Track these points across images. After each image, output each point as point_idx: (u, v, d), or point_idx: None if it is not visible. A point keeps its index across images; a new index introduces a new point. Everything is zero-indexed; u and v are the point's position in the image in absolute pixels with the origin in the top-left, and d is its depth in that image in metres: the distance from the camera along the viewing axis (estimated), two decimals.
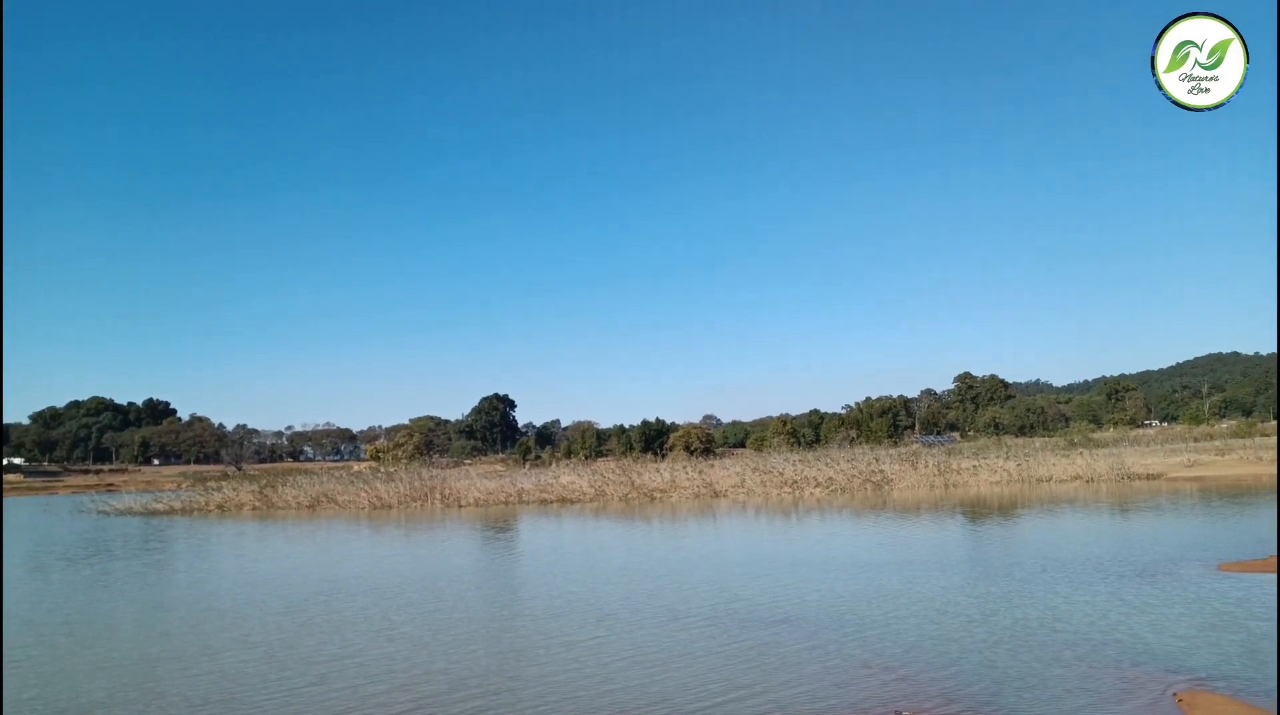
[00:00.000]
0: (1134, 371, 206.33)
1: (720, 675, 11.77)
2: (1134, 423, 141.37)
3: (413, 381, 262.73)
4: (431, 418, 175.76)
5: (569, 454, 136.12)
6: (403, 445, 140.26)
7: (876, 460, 59.32)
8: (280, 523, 46.24)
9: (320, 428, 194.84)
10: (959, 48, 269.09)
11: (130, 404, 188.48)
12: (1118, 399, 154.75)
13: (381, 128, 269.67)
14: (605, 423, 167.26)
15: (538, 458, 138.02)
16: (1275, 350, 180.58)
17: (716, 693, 10.95)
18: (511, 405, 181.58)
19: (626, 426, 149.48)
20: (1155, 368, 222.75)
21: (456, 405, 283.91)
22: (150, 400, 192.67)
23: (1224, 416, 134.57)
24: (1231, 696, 9.85)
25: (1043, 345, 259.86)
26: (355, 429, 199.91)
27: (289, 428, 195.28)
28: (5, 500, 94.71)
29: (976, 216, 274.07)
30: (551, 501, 52.15)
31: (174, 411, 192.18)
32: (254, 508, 56.51)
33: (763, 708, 10.32)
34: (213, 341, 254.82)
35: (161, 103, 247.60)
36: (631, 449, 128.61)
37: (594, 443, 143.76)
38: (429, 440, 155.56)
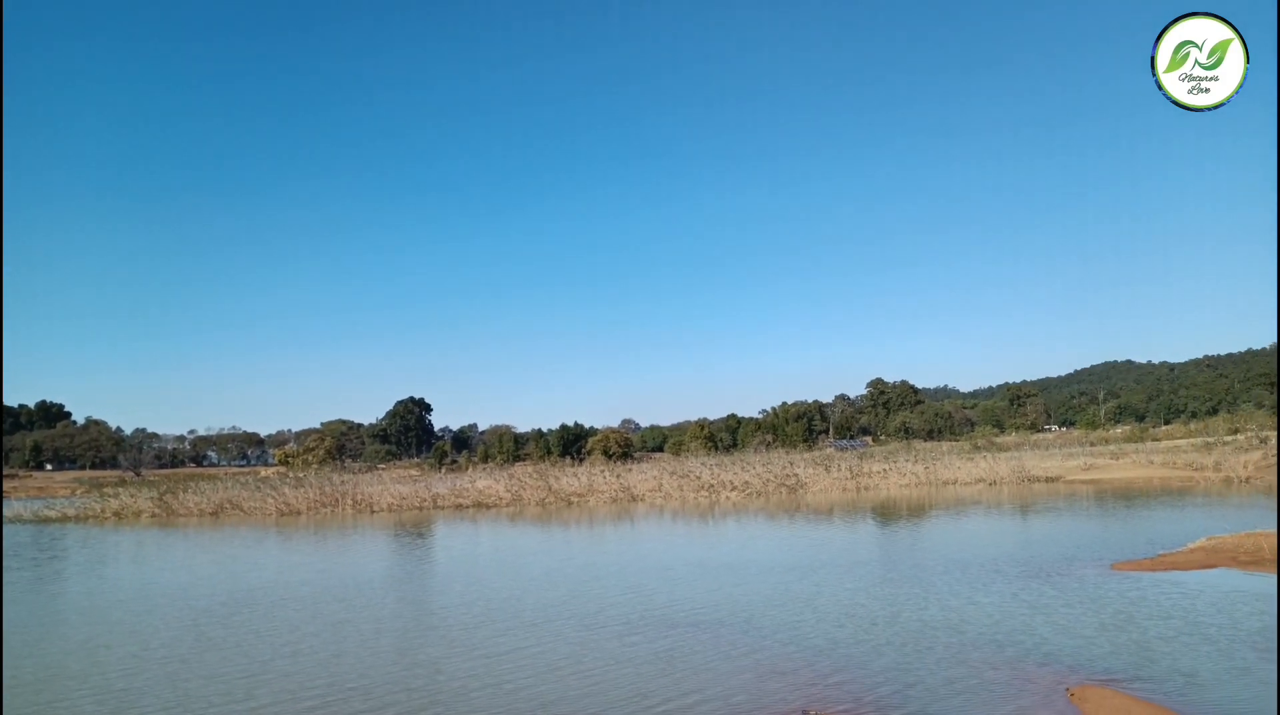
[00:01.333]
0: (1035, 378, 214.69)
1: (633, 681, 11.76)
2: (1034, 427, 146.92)
3: (325, 384, 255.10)
4: (344, 422, 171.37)
5: (486, 458, 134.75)
6: (313, 450, 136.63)
7: (791, 464, 60.41)
8: (181, 531, 44.46)
9: (226, 432, 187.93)
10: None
11: (21, 406, 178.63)
12: (1019, 405, 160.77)
13: (293, 128, 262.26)
14: (523, 427, 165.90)
15: (454, 462, 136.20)
16: (1194, 357, 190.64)
17: (630, 698, 10.94)
18: (427, 409, 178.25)
19: (545, 430, 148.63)
20: (1055, 375, 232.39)
21: (370, 409, 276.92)
22: (43, 402, 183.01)
23: (1118, 422, 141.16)
24: (1120, 690, 10.29)
25: (951, 353, 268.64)
26: (263, 433, 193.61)
27: (192, 432, 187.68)
28: None
29: (889, 227, 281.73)
30: (467, 506, 51.47)
31: (68, 414, 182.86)
32: (153, 515, 54.15)
33: (671, 708, 10.35)
34: (110, 342, 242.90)
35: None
36: (550, 453, 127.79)
37: (512, 447, 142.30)
38: (341, 445, 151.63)
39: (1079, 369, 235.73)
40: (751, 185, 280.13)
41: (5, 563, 31.32)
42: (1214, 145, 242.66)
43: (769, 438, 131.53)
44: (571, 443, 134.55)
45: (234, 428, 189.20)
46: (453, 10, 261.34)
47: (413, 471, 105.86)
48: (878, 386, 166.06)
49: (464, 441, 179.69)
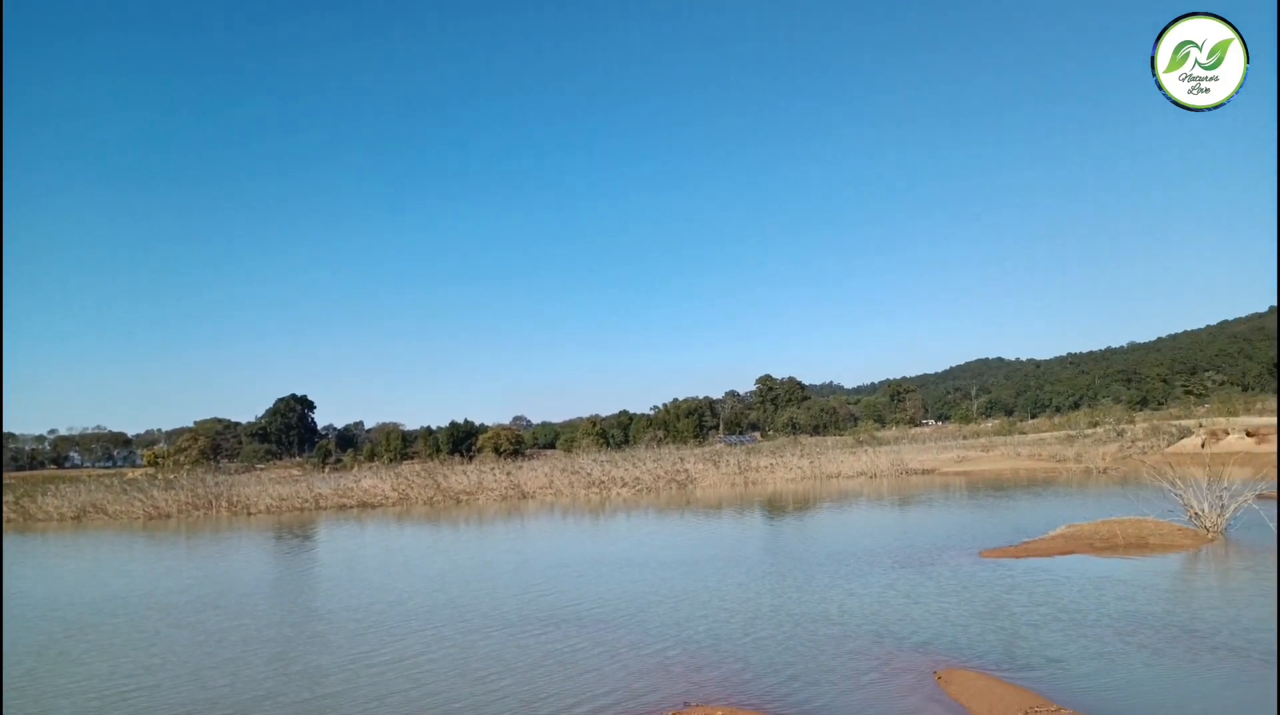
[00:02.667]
0: (914, 375, 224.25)
1: (522, 683, 11.63)
2: (913, 422, 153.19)
3: (199, 381, 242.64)
4: (219, 420, 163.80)
5: (373, 457, 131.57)
6: (185, 450, 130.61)
7: (681, 460, 61.09)
8: (39, 536, 41.69)
9: (90, 431, 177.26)
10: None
11: None
12: (899, 400, 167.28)
13: (170, 117, 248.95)
14: (412, 424, 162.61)
15: (338, 461, 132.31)
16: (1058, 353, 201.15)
17: (519, 701, 10.81)
18: (310, 406, 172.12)
19: (434, 428, 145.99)
20: (932, 371, 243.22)
21: (248, 406, 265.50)
22: None
23: (989, 416, 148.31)
24: (984, 672, 10.78)
25: (836, 351, 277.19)
26: (131, 433, 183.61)
27: (52, 431, 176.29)
28: None
29: (776, 228, 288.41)
30: (352, 506, 50.04)
31: None
32: (9, 520, 50.59)
33: (557, 708, 10.29)
34: None
35: None
36: (439, 451, 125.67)
37: (399, 445, 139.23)
38: (216, 444, 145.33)
39: (954, 366, 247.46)
40: (639, 185, 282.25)
41: None
42: (1098, 150, 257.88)
43: (660, 434, 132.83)
44: (461, 440, 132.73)
45: (99, 427, 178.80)
46: None
47: (294, 471, 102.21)
48: (766, 383, 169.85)
49: (349, 440, 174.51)
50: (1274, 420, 61.05)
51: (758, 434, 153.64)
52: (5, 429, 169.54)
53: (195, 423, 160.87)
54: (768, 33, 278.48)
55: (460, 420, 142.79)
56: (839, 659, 11.86)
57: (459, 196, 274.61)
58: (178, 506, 50.52)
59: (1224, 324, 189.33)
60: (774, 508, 37.53)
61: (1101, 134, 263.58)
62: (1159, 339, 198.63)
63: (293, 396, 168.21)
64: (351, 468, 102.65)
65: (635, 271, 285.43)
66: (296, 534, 37.00)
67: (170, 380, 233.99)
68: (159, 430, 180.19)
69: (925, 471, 54.27)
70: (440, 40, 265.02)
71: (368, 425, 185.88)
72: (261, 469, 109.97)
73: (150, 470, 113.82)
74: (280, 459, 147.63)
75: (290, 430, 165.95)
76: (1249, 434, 54.46)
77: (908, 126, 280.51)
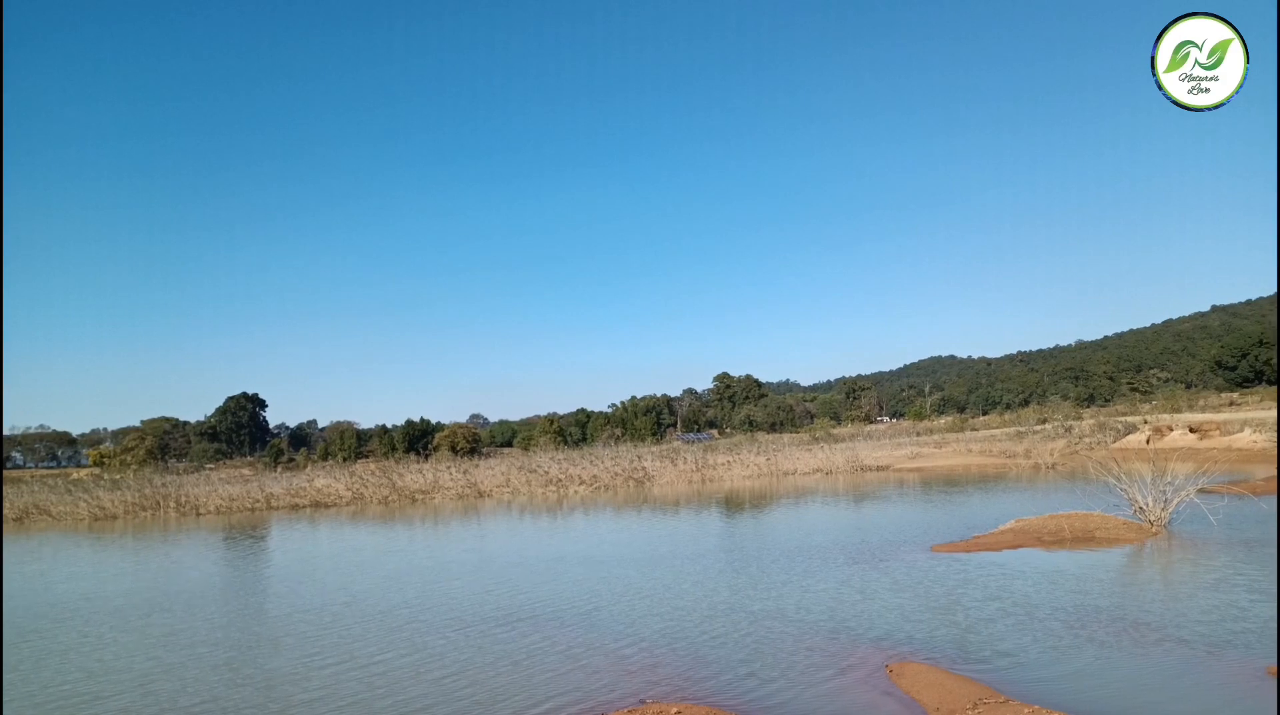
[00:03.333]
0: (869, 373, 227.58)
1: (479, 684, 11.51)
2: (868, 419, 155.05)
3: (146, 380, 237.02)
4: (167, 419, 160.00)
5: (326, 456, 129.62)
6: (132, 450, 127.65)
7: (639, 457, 61.07)
8: None
9: (33, 431, 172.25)
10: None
11: None
12: (855, 398, 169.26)
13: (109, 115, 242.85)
14: (366, 423, 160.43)
15: (291, 461, 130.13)
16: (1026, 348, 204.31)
17: (475, 703, 10.70)
18: (261, 405, 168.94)
19: (390, 426, 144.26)
20: (887, 369, 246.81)
21: (198, 405, 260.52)
22: None
23: (942, 413, 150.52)
24: (935, 665, 10.90)
25: (793, 348, 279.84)
26: (75, 432, 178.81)
27: None
28: None
29: (736, 225, 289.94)
30: (304, 506, 49.24)
31: None
32: None
33: (513, 709, 10.21)
34: None
35: None
36: (394, 450, 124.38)
37: (354, 444, 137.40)
38: (164, 444, 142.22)
39: (908, 364, 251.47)
40: (597, 184, 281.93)
41: None
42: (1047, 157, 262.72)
43: (618, 432, 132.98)
44: (417, 439, 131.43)
45: (42, 426, 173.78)
46: None
47: (245, 471, 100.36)
48: (724, 381, 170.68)
49: (302, 439, 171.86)
50: (1218, 416, 62.83)
51: (715, 431, 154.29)
52: None
53: (142, 422, 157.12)
54: (720, 31, 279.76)
55: (416, 418, 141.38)
56: (793, 654, 11.92)
57: (415, 192, 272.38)
58: (124, 507, 49.34)
59: (1168, 323, 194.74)
60: (731, 505, 37.69)
61: (1048, 137, 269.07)
62: (1106, 338, 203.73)
63: (243, 395, 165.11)
64: (304, 467, 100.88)
65: (593, 269, 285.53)
66: (247, 535, 36.31)
67: (117, 378, 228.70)
68: (105, 429, 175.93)
69: (880, 468, 54.89)
70: (393, 35, 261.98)
71: (321, 424, 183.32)
72: (211, 469, 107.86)
73: (96, 470, 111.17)
74: (230, 458, 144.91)
75: (241, 429, 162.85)
76: (1192, 430, 55.98)
77: (864, 125, 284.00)
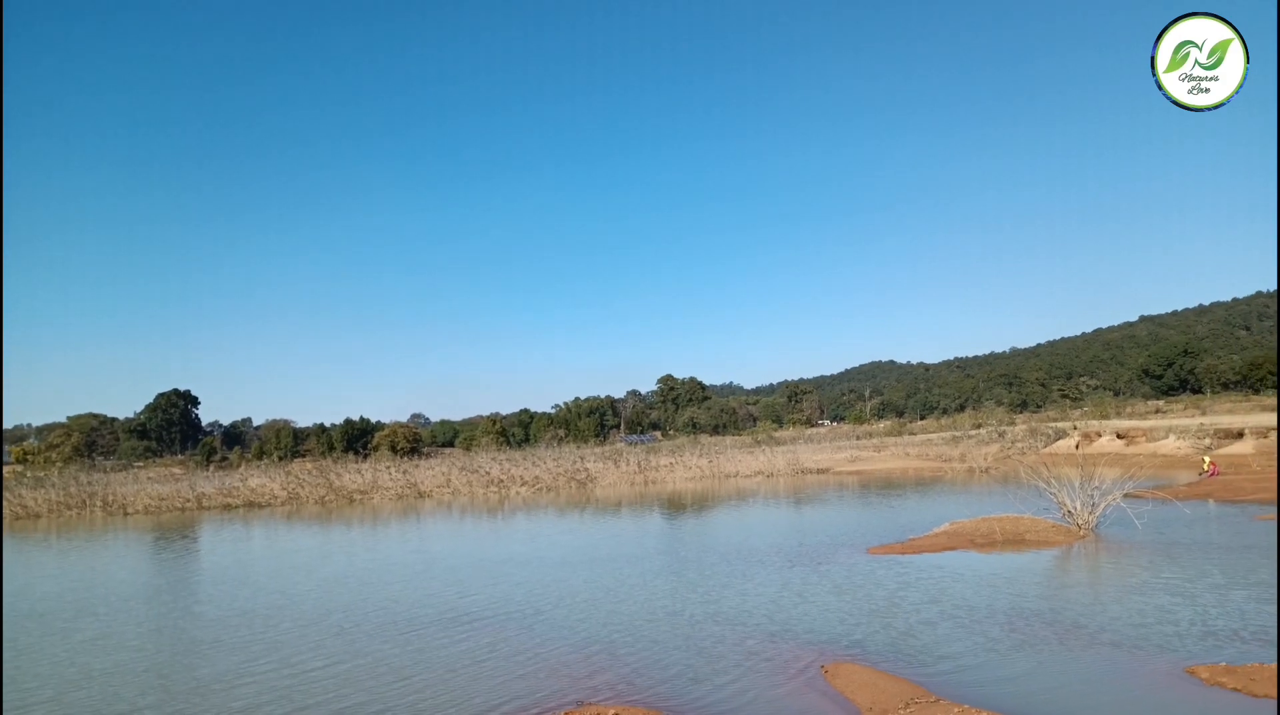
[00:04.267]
0: (811, 376, 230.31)
1: (409, 684, 11.36)
2: (809, 422, 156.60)
3: (73, 374, 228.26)
4: (95, 415, 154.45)
5: (261, 455, 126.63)
6: (58, 446, 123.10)
7: (582, 459, 60.96)
8: None
9: None
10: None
11: None
12: (797, 401, 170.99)
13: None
14: (304, 422, 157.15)
15: (224, 459, 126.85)
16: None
17: (405, 702, 10.54)
18: (194, 402, 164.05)
19: (328, 425, 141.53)
20: (828, 373, 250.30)
21: (127, 401, 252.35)
22: None
23: (881, 417, 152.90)
24: (870, 665, 11.05)
25: (736, 351, 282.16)
26: None
27: None
28: None
29: (680, 231, 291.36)
30: (238, 506, 48.12)
31: None
32: None
33: (450, 712, 10.07)
34: None
35: None
36: (332, 449, 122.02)
37: (290, 443, 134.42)
38: (91, 441, 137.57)
39: (849, 368, 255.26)
40: (540, 184, 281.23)
41: None
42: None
43: (561, 433, 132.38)
44: (356, 438, 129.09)
45: None
46: None
47: (175, 470, 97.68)
48: (668, 383, 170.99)
49: (236, 437, 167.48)
50: (1144, 423, 64.92)
51: (658, 433, 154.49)
52: None
53: (68, 418, 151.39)
54: (674, 31, 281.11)
55: (355, 417, 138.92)
56: (731, 656, 11.97)
57: (357, 191, 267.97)
58: (48, 506, 47.78)
59: (1098, 332, 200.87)
60: (673, 507, 37.79)
61: (994, 147, 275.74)
62: (1039, 345, 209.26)
63: (175, 391, 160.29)
64: (238, 466, 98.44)
65: (538, 271, 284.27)
66: (178, 535, 35.33)
67: (42, 373, 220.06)
68: (29, 425, 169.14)
69: (820, 471, 55.56)
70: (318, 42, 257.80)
71: (256, 422, 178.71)
72: (140, 467, 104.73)
73: (18, 468, 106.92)
74: (161, 457, 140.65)
75: (172, 427, 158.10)
76: (1119, 436, 57.76)
77: (809, 131, 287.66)
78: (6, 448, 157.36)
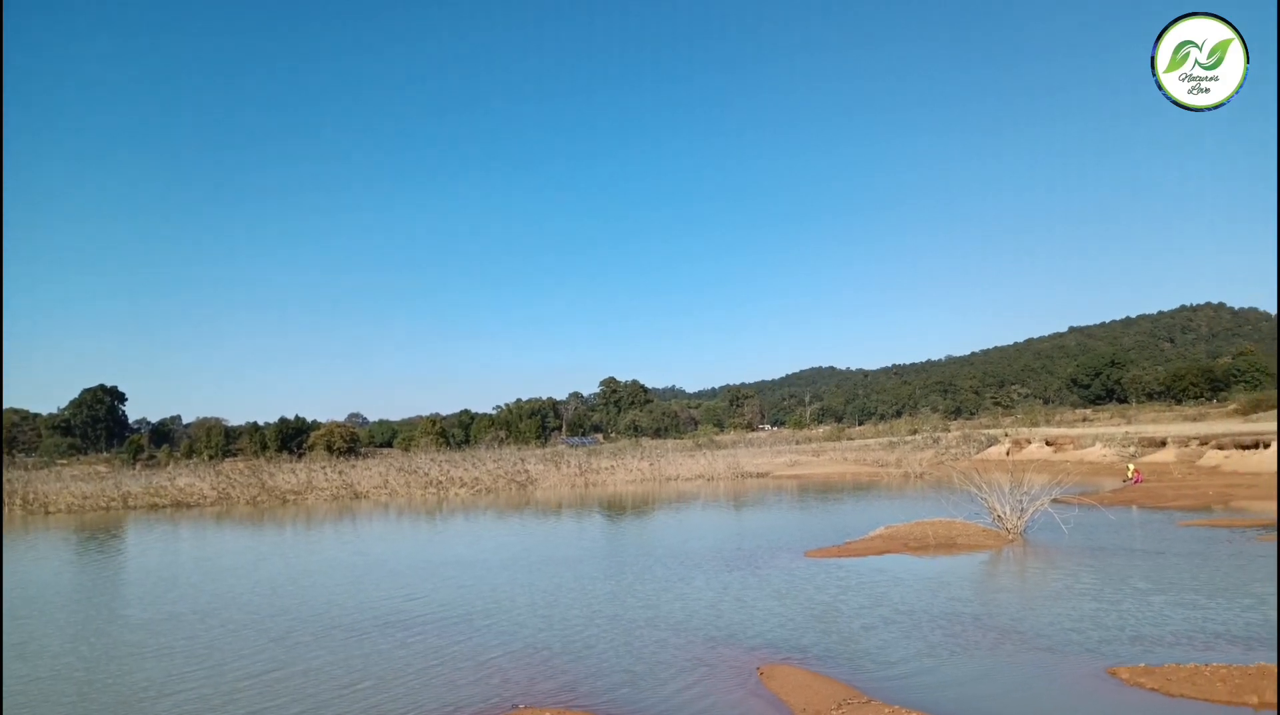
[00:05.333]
0: (752, 381, 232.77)
1: (344, 690, 11.15)
2: (750, 426, 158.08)
3: None
4: (16, 411, 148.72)
5: (191, 454, 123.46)
6: None
7: (522, 460, 60.62)
8: None
9: None
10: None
11: None
12: (738, 405, 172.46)
13: None
14: (236, 420, 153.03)
15: (152, 458, 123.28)
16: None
17: (337, 709, 10.32)
18: (121, 398, 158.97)
19: (261, 424, 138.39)
20: (769, 378, 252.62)
21: (50, 397, 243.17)
22: None
23: (821, 422, 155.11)
24: (804, 667, 11.17)
25: (679, 355, 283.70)
26: None
27: None
28: None
29: (625, 233, 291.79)
30: (164, 506, 46.74)
31: None
32: None
33: (387, 712, 9.94)
34: None
35: None
36: (266, 449, 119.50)
37: (221, 442, 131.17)
38: (12, 436, 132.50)
39: (790, 373, 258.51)
40: (484, 187, 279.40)
41: None
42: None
43: (502, 434, 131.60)
44: (291, 437, 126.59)
45: None
46: None
47: (100, 468, 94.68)
48: (610, 385, 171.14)
49: (165, 435, 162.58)
50: (1072, 431, 66.87)
51: (600, 436, 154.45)
52: None
53: None
54: (631, 31, 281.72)
55: (290, 416, 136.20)
56: (668, 659, 11.99)
57: (293, 186, 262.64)
58: None
59: (1029, 342, 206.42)
60: (613, 509, 37.78)
61: (919, 155, 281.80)
62: (973, 354, 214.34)
63: (101, 387, 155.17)
64: (166, 465, 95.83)
65: (480, 271, 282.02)
66: (102, 535, 34.19)
67: None
68: None
69: (760, 475, 56.02)
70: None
71: (186, 420, 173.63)
72: (63, 465, 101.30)
73: None
74: (85, 454, 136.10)
75: (97, 423, 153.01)
76: (1048, 443, 59.41)
77: (752, 137, 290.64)
78: None
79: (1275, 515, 24.70)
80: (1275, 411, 66.21)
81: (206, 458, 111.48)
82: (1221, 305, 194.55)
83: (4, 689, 11.77)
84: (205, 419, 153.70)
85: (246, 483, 50.22)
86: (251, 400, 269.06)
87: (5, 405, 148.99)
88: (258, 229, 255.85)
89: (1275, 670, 9.87)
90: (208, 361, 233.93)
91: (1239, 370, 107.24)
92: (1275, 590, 14.85)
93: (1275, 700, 9.08)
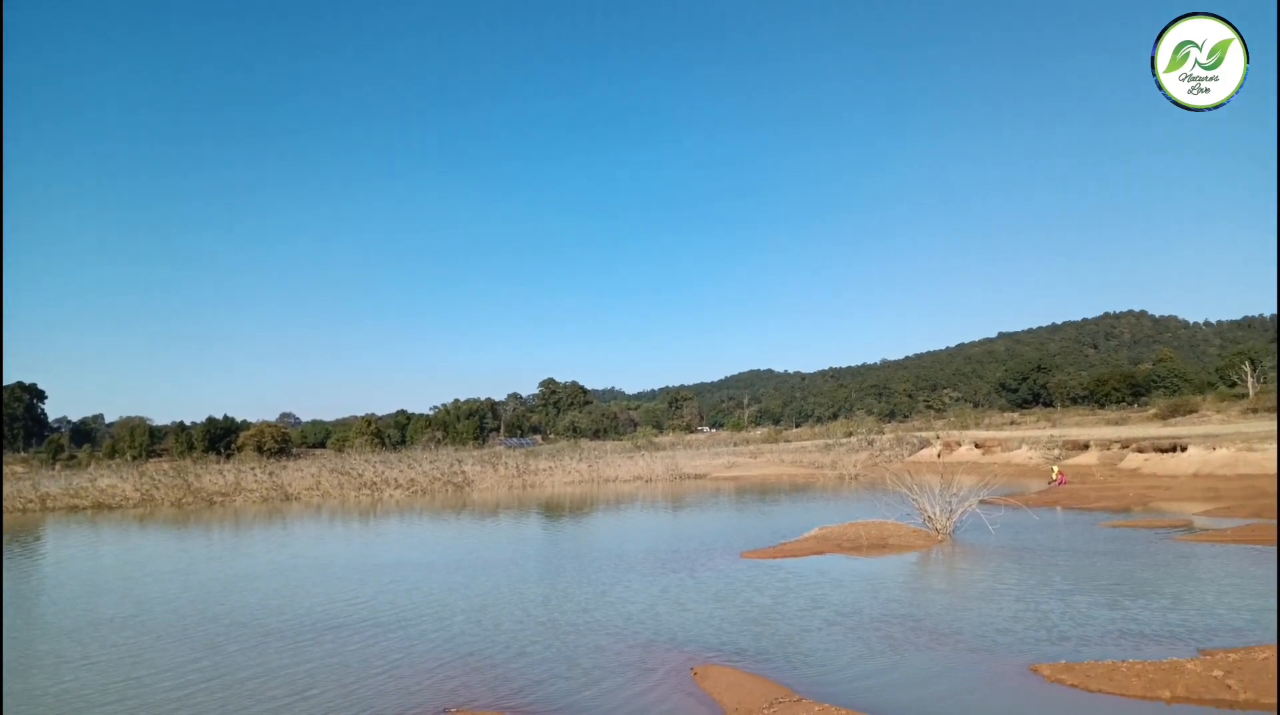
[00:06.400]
0: (691, 383, 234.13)
1: (267, 692, 10.90)
2: (689, 428, 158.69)
3: None
4: None
5: (113, 454, 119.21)
6: None
7: (459, 462, 59.93)
8: None
9: None
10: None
11: None
12: (678, 407, 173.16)
13: None
14: (162, 419, 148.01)
15: (72, 458, 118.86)
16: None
17: (264, 708, 10.07)
18: (40, 396, 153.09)
19: (188, 423, 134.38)
20: (708, 380, 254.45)
21: None
22: None
23: (759, 424, 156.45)
24: (737, 667, 11.27)
25: (618, 356, 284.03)
26: None
27: None
28: None
29: (562, 236, 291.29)
30: (85, 507, 45.14)
31: None
32: None
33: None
34: None
35: None
36: (193, 449, 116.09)
37: (146, 441, 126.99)
38: None
39: (729, 376, 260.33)
40: (424, 185, 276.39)
41: None
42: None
43: (440, 435, 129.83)
44: (219, 437, 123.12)
45: None
46: None
47: (17, 468, 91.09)
48: (549, 386, 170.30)
49: (86, 434, 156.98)
50: (1000, 434, 68.63)
51: (539, 437, 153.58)
52: None
53: None
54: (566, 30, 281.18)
55: (219, 416, 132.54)
56: (603, 661, 11.98)
57: (226, 183, 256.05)
58: None
59: (961, 347, 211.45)
60: (550, 511, 37.63)
61: (858, 162, 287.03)
62: (907, 358, 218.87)
63: (19, 384, 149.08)
64: (88, 465, 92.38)
65: (418, 270, 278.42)
66: (18, 538, 32.85)
67: None
68: None
69: (698, 476, 56.33)
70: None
71: (109, 419, 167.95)
72: None
73: None
74: (1, 454, 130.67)
75: (14, 422, 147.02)
76: (977, 446, 60.84)
77: (692, 141, 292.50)
78: None
79: (1187, 517, 25.71)
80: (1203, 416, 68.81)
81: (130, 458, 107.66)
82: (1143, 313, 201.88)
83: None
84: (129, 418, 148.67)
85: (171, 484, 48.81)
86: (178, 399, 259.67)
87: None
88: (186, 223, 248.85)
89: (1182, 664, 10.28)
90: (132, 359, 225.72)
91: (1159, 376, 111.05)
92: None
93: (1185, 695, 9.45)
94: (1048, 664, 10.82)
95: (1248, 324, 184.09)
